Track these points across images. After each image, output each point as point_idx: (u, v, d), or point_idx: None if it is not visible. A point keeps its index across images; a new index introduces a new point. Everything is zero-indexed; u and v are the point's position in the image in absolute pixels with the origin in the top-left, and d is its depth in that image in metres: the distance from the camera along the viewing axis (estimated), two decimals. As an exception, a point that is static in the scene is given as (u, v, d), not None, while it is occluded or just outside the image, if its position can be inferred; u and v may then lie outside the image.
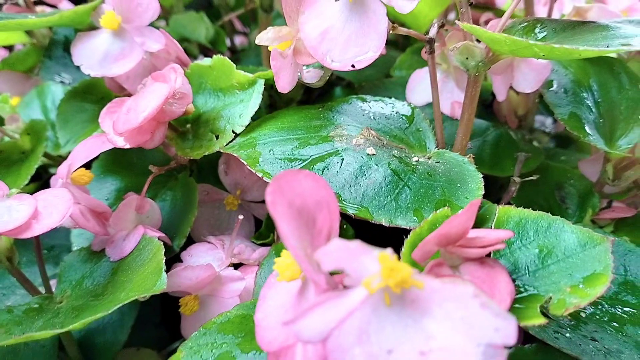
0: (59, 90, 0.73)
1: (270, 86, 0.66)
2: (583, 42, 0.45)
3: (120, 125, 0.48)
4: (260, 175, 0.47)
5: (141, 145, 0.50)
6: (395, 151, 0.51)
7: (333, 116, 0.54)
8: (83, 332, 0.58)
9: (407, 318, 0.28)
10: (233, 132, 0.53)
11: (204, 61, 0.58)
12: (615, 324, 0.50)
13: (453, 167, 0.49)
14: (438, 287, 0.28)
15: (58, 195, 0.47)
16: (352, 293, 0.28)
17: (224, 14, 0.96)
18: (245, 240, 0.57)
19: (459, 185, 0.47)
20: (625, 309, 0.51)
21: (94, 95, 0.63)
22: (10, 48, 0.98)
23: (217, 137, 0.54)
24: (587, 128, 0.56)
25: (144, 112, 0.47)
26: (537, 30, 0.50)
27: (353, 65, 0.48)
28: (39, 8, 0.89)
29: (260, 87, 0.54)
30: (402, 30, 0.51)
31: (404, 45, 0.88)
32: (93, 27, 0.60)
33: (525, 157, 0.57)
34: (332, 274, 0.32)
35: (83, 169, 0.52)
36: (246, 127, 0.53)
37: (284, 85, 0.50)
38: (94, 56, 0.56)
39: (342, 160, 0.48)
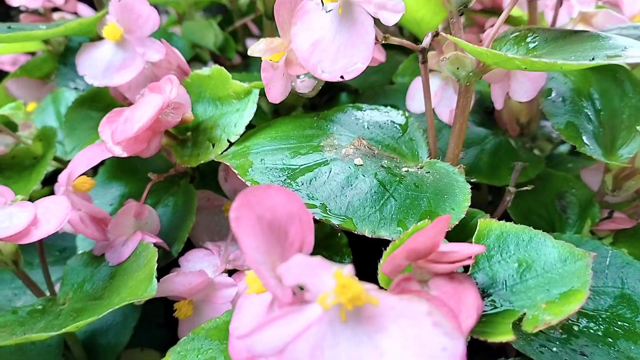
0: (72, 96, 0.75)
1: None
2: (571, 52, 0.44)
3: (117, 135, 0.50)
4: (249, 185, 0.48)
5: (138, 154, 0.52)
6: (386, 161, 0.51)
7: (327, 125, 0.55)
8: (87, 333, 0.60)
9: (361, 334, 0.28)
10: (228, 140, 0.54)
11: (203, 70, 0.59)
12: (609, 339, 0.49)
13: (442, 177, 0.50)
14: (394, 304, 0.29)
15: (57, 203, 0.49)
16: (308, 308, 0.29)
17: (237, 18, 0.98)
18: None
19: (446, 196, 0.48)
20: (620, 323, 0.50)
21: (100, 104, 0.65)
22: (33, 54, 1.02)
23: (213, 145, 0.55)
24: (584, 137, 0.55)
25: (139, 123, 0.49)
26: (528, 39, 0.50)
27: (342, 77, 0.49)
28: (57, 15, 0.92)
29: (255, 96, 0.55)
30: (395, 40, 0.52)
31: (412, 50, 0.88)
32: (100, 37, 0.62)
33: (522, 166, 0.57)
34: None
35: (85, 176, 0.54)
36: (242, 135, 0.54)
37: (275, 96, 0.51)
38: (97, 66, 0.58)
39: (330, 170, 0.48)
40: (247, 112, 0.54)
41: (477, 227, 0.42)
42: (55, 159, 0.68)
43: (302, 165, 0.49)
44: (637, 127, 0.51)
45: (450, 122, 0.62)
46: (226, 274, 0.54)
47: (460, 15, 0.50)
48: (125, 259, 0.52)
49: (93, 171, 0.67)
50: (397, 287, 0.34)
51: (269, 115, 0.73)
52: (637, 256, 0.56)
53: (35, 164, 0.66)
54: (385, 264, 0.34)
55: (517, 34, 0.51)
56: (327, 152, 0.50)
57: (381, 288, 0.35)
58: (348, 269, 0.29)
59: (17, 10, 0.87)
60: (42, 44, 0.82)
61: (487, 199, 0.75)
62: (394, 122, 0.56)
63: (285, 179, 0.48)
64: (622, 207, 0.62)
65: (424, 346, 0.27)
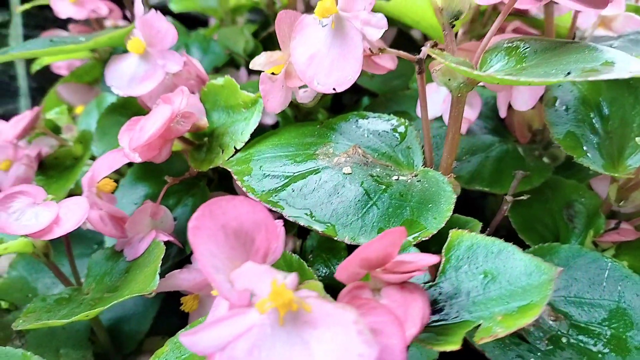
0: (114, 101, 0.82)
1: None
2: (555, 65, 0.44)
3: (132, 142, 0.55)
4: (245, 190, 0.51)
5: (151, 160, 0.56)
6: (378, 169, 0.53)
7: (327, 133, 0.58)
8: (112, 321, 0.66)
9: (296, 337, 0.31)
10: (234, 147, 0.58)
11: (218, 80, 0.63)
12: (599, 353, 0.49)
13: (431, 186, 0.51)
14: (328, 312, 0.31)
15: (77, 203, 0.54)
16: (251, 312, 0.32)
17: (272, 23, 1.01)
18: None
19: (430, 205, 0.49)
20: (612, 337, 0.50)
21: (129, 111, 0.70)
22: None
23: (222, 151, 0.59)
24: (585, 147, 0.54)
25: (149, 132, 0.53)
26: (520, 50, 0.50)
27: (334, 89, 0.51)
28: (110, 22, 1.00)
29: (260, 105, 0.58)
30: (392, 52, 0.54)
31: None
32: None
33: (522, 174, 0.57)
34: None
35: (107, 179, 0.59)
36: (249, 142, 0.58)
37: (274, 106, 0.54)
38: (123, 78, 0.63)
39: (320, 178, 0.51)
40: (253, 120, 0.58)
41: (448, 238, 0.44)
42: (93, 158, 0.74)
43: (296, 172, 0.52)
44: (637, 139, 0.49)
45: (456, 130, 0.63)
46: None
47: (452, 27, 0.51)
48: (140, 255, 0.57)
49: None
50: (348, 295, 0.37)
51: (291, 119, 0.76)
52: (634, 266, 0.55)
53: (75, 165, 0.73)
54: (338, 271, 0.37)
55: (509, 44, 0.51)
56: (321, 160, 0.53)
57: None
58: (289, 278, 0.32)
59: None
60: (89, 52, 0.89)
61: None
62: (394, 130, 0.58)
63: (278, 186, 0.51)
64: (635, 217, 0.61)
65: (346, 351, 0.29)
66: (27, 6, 0.91)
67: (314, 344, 0.31)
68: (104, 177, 0.59)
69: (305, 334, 0.31)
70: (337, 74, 0.51)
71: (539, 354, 0.48)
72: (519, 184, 0.58)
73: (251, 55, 0.90)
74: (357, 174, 0.51)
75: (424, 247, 0.47)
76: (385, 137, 0.57)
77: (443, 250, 0.43)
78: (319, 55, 0.52)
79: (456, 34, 0.76)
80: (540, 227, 0.60)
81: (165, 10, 1.05)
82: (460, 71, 0.43)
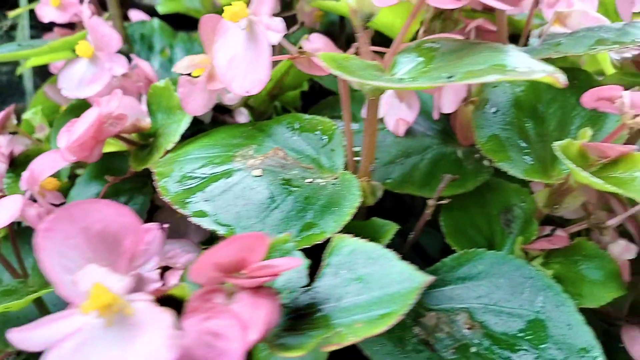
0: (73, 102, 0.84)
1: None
2: (454, 67, 0.43)
3: (66, 143, 0.57)
4: (159, 191, 0.52)
5: (84, 160, 0.58)
6: (296, 172, 0.53)
7: (256, 135, 0.58)
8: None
9: (120, 339, 0.32)
10: (165, 148, 0.59)
11: (160, 83, 0.64)
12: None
13: (342, 189, 0.51)
14: (151, 315, 0.32)
15: (13, 201, 0.57)
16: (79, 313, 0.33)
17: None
18: (190, 245, 0.63)
19: (335, 209, 0.49)
20: (525, 348, 0.49)
21: (83, 112, 0.73)
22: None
23: (157, 152, 0.60)
24: (510, 151, 0.52)
25: (77, 133, 0.55)
26: (433, 51, 0.49)
27: (248, 91, 0.51)
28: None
29: (192, 108, 0.59)
30: (309, 54, 0.53)
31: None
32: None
33: (450, 178, 0.55)
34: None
35: (50, 177, 0.62)
36: (181, 143, 0.59)
37: (194, 109, 0.55)
38: (73, 80, 0.66)
39: (231, 181, 0.51)
40: (184, 121, 0.59)
41: (330, 242, 0.43)
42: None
43: (211, 174, 0.53)
44: (555, 144, 0.47)
45: (394, 130, 0.62)
46: (159, 270, 0.59)
47: (365, 29, 0.51)
48: (76, 252, 0.59)
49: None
50: (199, 298, 0.37)
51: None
52: (567, 277, 0.53)
53: (43, 162, 0.76)
54: (191, 274, 0.37)
55: (425, 45, 0.50)
56: (236, 162, 0.53)
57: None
58: (125, 281, 0.33)
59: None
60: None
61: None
62: (322, 133, 0.58)
63: (192, 188, 0.52)
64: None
65: (155, 353, 0.30)
66: (19, 11, 0.96)
67: (132, 347, 0.31)
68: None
69: (128, 336, 0.32)
70: (251, 77, 0.51)
71: (443, 364, 0.47)
72: (449, 187, 0.57)
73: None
74: (267, 177, 0.51)
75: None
76: (313, 140, 0.57)
77: (323, 255, 0.43)
78: (237, 59, 0.52)
79: (417, 33, 0.74)
80: (473, 231, 0.58)
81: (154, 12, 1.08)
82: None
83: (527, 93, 0.56)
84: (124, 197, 0.69)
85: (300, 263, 0.37)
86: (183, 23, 1.16)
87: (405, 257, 0.63)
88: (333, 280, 0.42)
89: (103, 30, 0.63)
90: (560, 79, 0.35)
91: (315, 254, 0.46)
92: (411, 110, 0.61)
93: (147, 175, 0.68)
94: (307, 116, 0.60)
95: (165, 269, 0.60)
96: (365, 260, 0.42)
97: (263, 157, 0.53)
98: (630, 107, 0.48)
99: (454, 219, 0.58)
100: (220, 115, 0.80)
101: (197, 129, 0.66)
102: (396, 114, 0.62)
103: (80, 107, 0.74)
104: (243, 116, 0.65)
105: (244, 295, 0.37)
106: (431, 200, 0.55)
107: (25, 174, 0.60)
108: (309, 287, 0.42)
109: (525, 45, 0.66)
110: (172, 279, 0.58)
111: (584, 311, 0.53)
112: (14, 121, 0.77)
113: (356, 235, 0.54)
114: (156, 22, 0.98)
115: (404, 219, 0.60)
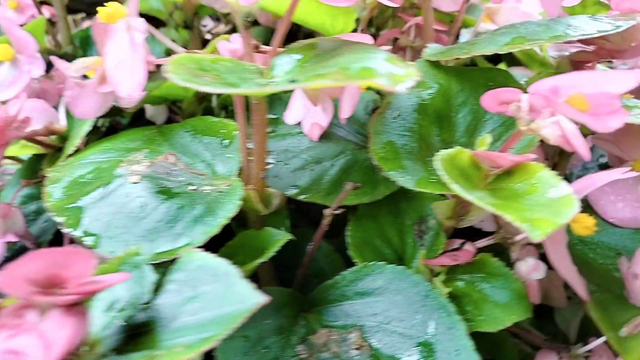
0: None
1: (173, 102, 0.69)
2: (316, 69, 0.40)
3: (-30, 146, 0.57)
4: (43, 197, 0.51)
5: (-13, 163, 0.58)
6: (183, 179, 0.51)
7: (156, 139, 0.56)
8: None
9: None
10: (68, 153, 0.57)
11: (76, 85, 0.63)
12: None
13: (223, 198, 0.48)
14: None
15: None
16: None
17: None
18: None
19: (209, 218, 0.46)
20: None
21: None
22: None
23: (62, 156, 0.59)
24: (405, 160, 0.49)
25: (-26, 138, 0.55)
26: (314, 50, 0.45)
27: (130, 95, 0.49)
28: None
29: (95, 112, 0.57)
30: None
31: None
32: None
33: (352, 186, 0.52)
34: None
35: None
36: (86, 147, 0.58)
37: (84, 112, 0.54)
38: (-6, 83, 0.65)
39: (108, 188, 0.49)
40: (86, 126, 0.57)
41: (180, 257, 0.41)
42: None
43: (92, 180, 0.51)
44: (438, 154, 0.43)
45: (309, 134, 0.59)
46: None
47: (247, 29, 0.48)
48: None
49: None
50: (10, 314, 0.35)
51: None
52: (470, 296, 0.49)
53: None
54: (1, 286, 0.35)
55: (308, 43, 0.47)
56: (120, 168, 0.51)
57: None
58: None
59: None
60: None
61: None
62: (224, 138, 0.55)
63: (74, 194, 0.50)
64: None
65: None
66: None
67: None
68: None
69: None
70: (135, 78, 0.49)
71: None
72: (357, 194, 0.53)
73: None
74: (145, 184, 0.49)
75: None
76: (212, 145, 0.55)
77: (168, 270, 0.40)
78: (124, 61, 0.50)
79: (355, 30, 0.71)
80: (381, 243, 0.54)
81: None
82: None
83: (435, 97, 0.52)
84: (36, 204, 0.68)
85: (125, 278, 0.35)
86: (152, 24, 1.15)
87: (318, 268, 0.60)
88: (174, 297, 0.39)
89: (18, 34, 0.62)
90: (384, 84, 0.32)
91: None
92: (326, 114, 0.57)
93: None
94: (213, 119, 0.58)
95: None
96: (210, 277, 0.39)
97: (149, 163, 0.51)
98: (527, 111, 0.43)
99: (362, 229, 0.55)
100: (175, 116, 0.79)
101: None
102: (312, 118, 0.59)
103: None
104: (161, 117, 0.64)
105: (56, 312, 0.35)
106: (328, 210, 0.51)
107: None
108: (147, 305, 0.40)
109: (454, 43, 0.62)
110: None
111: (503, 332, 0.50)
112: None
113: (247, 245, 0.52)
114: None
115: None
